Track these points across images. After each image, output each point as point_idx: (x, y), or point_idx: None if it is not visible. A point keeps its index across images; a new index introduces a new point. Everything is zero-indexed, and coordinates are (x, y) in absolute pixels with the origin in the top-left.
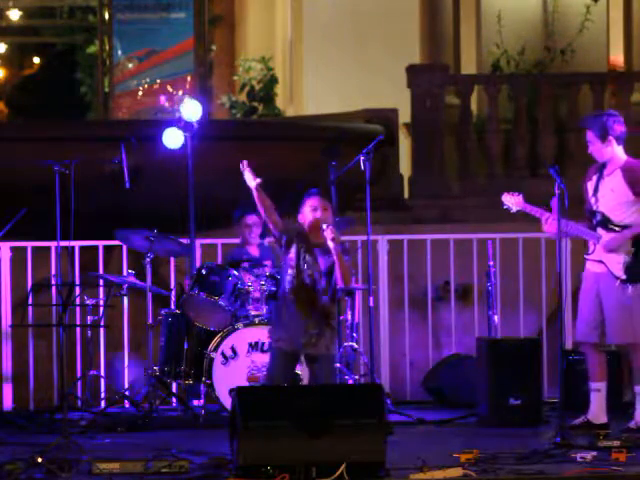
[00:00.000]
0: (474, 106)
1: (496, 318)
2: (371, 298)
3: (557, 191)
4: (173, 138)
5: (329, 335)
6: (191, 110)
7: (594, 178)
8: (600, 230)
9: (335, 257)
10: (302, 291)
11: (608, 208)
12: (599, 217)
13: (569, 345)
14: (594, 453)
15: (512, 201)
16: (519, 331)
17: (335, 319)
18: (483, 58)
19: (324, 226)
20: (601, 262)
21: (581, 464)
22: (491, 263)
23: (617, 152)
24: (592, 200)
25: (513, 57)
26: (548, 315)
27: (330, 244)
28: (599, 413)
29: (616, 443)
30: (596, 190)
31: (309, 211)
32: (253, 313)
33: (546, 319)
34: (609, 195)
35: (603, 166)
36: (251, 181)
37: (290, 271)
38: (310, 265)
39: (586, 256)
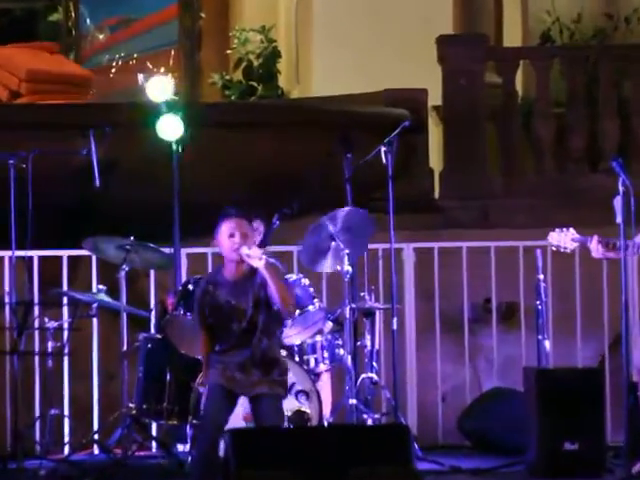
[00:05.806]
0: (519, 85)
1: (547, 344)
2: (395, 319)
3: (621, 188)
4: (171, 127)
5: None
6: (160, 87)
7: None
8: None
9: (268, 278)
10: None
11: None
12: None
13: (637, 377)
14: None
15: (565, 238)
16: (576, 360)
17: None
18: (530, 27)
19: (243, 250)
20: None
21: None
22: (540, 277)
23: None
24: None
25: (567, 26)
26: (611, 341)
27: (258, 265)
28: None
29: None
30: None
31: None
32: None
33: (609, 346)
34: None
35: None
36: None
37: None
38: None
39: None
